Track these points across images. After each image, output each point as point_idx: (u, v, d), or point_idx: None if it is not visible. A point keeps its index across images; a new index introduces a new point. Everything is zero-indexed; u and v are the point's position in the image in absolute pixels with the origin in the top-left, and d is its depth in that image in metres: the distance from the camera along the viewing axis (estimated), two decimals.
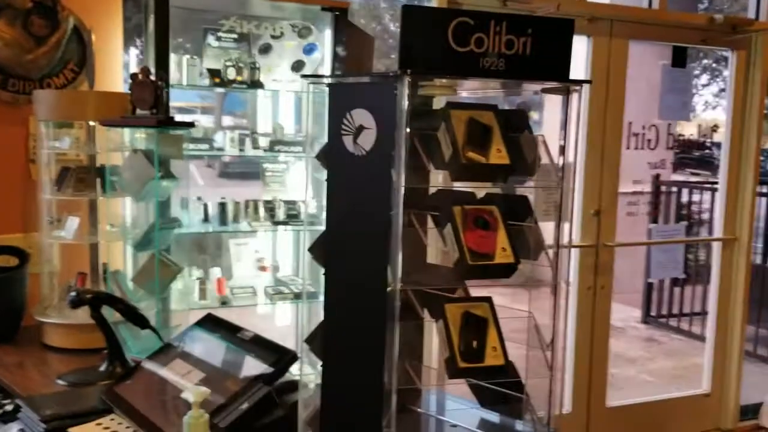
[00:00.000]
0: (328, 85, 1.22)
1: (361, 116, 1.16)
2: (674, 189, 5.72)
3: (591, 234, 3.30)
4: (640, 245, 3.89)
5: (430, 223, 1.25)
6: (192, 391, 1.11)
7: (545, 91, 1.30)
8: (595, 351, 3.37)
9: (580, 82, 1.25)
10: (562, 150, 1.24)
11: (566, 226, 1.27)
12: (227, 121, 7.68)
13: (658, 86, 3.46)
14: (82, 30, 2.42)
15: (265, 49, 2.70)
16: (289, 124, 2.83)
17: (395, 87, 1.10)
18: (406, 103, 1.10)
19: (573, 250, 3.22)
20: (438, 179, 1.31)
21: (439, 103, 1.34)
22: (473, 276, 1.21)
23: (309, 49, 2.72)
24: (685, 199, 5.75)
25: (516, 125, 1.30)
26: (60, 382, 1.86)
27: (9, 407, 2.04)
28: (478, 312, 1.26)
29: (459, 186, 1.26)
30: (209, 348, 1.73)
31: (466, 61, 1.16)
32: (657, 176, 5.46)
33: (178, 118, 2.05)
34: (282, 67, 2.70)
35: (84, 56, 2.43)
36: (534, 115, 6.07)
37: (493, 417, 1.42)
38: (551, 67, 1.22)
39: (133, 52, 2.90)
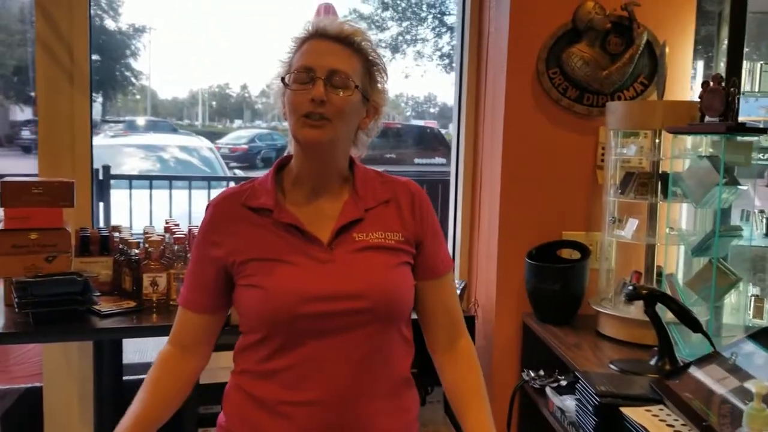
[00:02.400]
0: None
1: None
2: None
3: None
4: None
5: None
6: (755, 383, 1.10)
7: None
8: None
9: None
10: None
11: None
12: None
13: None
14: (654, 45, 2.55)
15: None
16: None
17: None
18: None
19: None
20: None
21: None
22: None
23: None
24: None
25: None
26: (612, 366, 2.01)
27: (563, 382, 2.31)
28: None
29: None
30: (762, 363, 1.65)
31: None
32: None
33: None
34: None
35: (654, 69, 2.56)
36: None
37: None
38: None
39: (699, 63, 2.92)
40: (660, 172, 2.28)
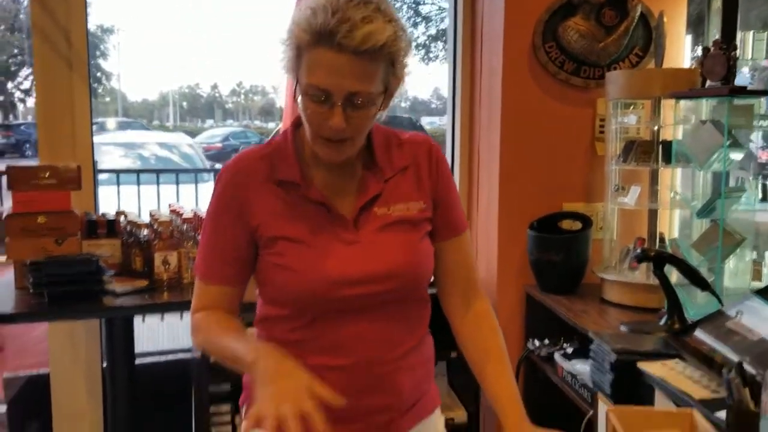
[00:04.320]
0: None
1: None
2: None
3: None
4: None
5: None
6: None
7: None
8: None
9: None
10: None
11: None
12: None
13: None
14: (649, 16, 2.60)
15: None
16: None
17: None
18: None
19: None
20: None
21: None
22: None
23: None
24: None
25: None
26: (623, 328, 2.06)
27: (569, 349, 2.36)
28: None
29: None
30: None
31: None
32: None
33: None
34: None
35: (648, 41, 2.62)
36: None
37: None
38: None
39: (688, 36, 2.99)
40: (661, 139, 2.33)
